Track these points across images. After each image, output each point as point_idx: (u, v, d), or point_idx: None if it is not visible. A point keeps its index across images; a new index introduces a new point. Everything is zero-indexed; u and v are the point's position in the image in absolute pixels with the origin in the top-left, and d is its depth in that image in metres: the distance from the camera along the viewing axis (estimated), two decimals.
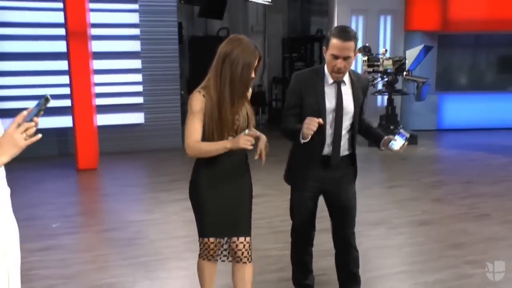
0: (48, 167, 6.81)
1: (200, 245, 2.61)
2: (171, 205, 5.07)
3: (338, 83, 2.70)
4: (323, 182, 2.78)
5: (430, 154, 7.88)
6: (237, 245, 2.57)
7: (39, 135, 1.56)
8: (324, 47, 2.68)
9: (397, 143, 2.66)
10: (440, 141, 9.08)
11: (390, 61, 8.24)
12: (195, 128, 2.42)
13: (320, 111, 2.67)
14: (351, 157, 2.84)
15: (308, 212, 2.85)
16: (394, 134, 2.71)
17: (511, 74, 10.49)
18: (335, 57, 2.57)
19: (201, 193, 2.54)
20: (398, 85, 8.69)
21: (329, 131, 2.71)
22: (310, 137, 2.54)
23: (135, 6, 7.57)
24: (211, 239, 2.56)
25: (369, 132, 2.94)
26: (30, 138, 1.55)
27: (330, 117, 2.70)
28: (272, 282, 3.30)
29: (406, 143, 2.67)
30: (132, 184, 6.13)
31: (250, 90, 2.60)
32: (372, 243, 3.97)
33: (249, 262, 2.60)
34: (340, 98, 2.69)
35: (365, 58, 8.24)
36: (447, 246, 3.95)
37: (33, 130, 1.55)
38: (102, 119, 7.53)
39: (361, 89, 2.79)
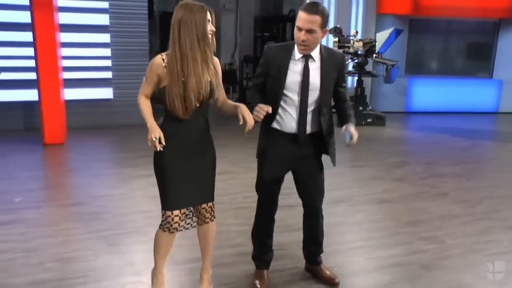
0: (14, 141, 6.69)
1: (162, 217, 2.64)
2: (136, 181, 5.08)
3: (306, 58, 2.72)
4: (291, 159, 2.83)
5: (396, 136, 8.05)
6: (201, 211, 2.71)
7: None
8: None
9: (347, 138, 2.72)
10: (407, 123, 9.28)
11: (361, 43, 8.33)
12: (143, 87, 2.61)
13: (279, 85, 2.72)
14: (319, 135, 2.84)
15: (275, 188, 2.90)
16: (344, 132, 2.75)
17: (478, 60, 10.74)
18: (299, 29, 2.62)
19: (164, 166, 2.58)
20: (368, 67, 8.80)
21: (294, 106, 2.73)
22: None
23: None
24: (175, 212, 2.60)
25: (340, 109, 2.90)
26: None
27: (295, 92, 2.72)
28: (230, 255, 3.37)
29: (349, 143, 2.72)
30: (98, 159, 6.09)
31: (218, 62, 2.64)
32: (332, 220, 4.06)
33: (212, 220, 2.77)
34: (306, 73, 2.71)
35: (336, 39, 8.31)
36: (403, 223, 4.10)
37: None
38: (71, 94, 7.42)
39: (334, 65, 2.77)
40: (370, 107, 8.92)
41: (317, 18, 2.58)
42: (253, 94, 2.84)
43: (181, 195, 2.59)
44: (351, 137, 2.69)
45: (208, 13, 2.48)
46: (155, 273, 2.82)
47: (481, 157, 6.72)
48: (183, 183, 2.58)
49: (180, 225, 2.65)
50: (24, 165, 5.70)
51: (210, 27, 2.49)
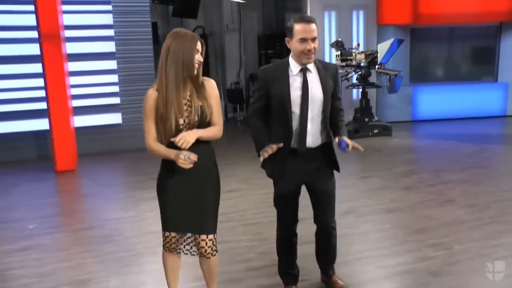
0: (27, 171, 6.85)
1: (163, 237, 2.75)
2: (147, 203, 5.17)
3: (304, 72, 2.78)
4: (301, 174, 2.88)
5: (403, 145, 8.06)
6: (200, 242, 2.69)
7: None
8: (287, 39, 2.77)
9: (342, 147, 2.80)
10: (414, 132, 9.29)
11: (363, 55, 8.42)
12: (148, 128, 2.60)
13: (286, 103, 2.77)
14: (327, 146, 2.91)
15: (290, 204, 2.95)
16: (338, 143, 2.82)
17: (482, 65, 10.76)
18: (304, 40, 2.69)
19: (165, 188, 2.66)
20: (372, 78, 8.88)
21: (297, 120, 2.79)
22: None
23: (108, 7, 7.61)
24: (172, 233, 2.70)
25: (334, 120, 2.93)
26: None
27: (297, 106, 2.77)
28: (240, 271, 3.43)
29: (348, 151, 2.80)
30: (109, 184, 6.21)
31: (214, 83, 2.66)
32: (340, 231, 3.99)
33: (213, 256, 2.72)
34: (306, 86, 2.77)
35: (338, 52, 8.42)
36: (411, 232, 4.13)
37: None
38: (80, 121, 7.58)
39: (330, 76, 2.85)
40: (376, 118, 8.97)
41: (315, 26, 2.72)
42: (257, 129, 2.86)
43: (178, 218, 2.65)
44: (347, 145, 2.76)
45: (199, 43, 2.53)
46: None
47: (488, 162, 6.71)
48: (181, 208, 2.63)
49: (178, 246, 2.74)
50: (37, 193, 5.84)
51: (198, 57, 2.53)
